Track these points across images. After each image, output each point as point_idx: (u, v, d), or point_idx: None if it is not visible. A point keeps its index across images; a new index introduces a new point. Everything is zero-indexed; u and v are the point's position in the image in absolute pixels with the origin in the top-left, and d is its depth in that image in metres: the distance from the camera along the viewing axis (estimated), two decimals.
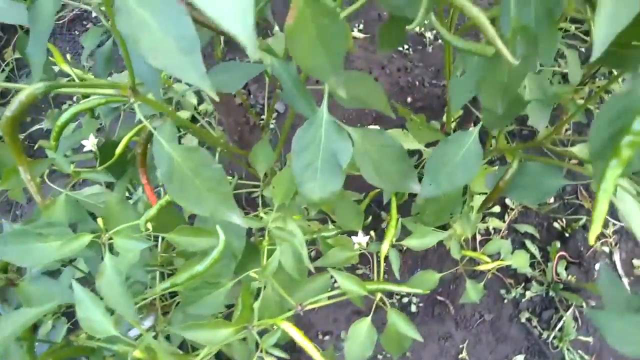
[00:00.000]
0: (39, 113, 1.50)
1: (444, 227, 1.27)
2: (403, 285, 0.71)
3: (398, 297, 1.24)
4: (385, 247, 0.71)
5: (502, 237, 1.27)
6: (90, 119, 0.74)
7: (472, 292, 1.01)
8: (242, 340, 0.57)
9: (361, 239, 0.73)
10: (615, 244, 1.25)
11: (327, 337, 1.21)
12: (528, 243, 1.26)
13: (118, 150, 0.67)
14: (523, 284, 1.24)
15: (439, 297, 1.23)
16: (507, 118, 0.60)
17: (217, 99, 0.38)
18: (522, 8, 0.48)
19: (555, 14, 0.48)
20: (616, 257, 1.24)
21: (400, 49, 1.39)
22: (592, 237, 0.40)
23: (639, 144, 0.38)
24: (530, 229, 1.27)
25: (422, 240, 0.73)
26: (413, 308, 1.23)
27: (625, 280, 1.24)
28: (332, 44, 0.46)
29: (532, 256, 1.26)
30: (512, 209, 1.30)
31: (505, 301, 1.23)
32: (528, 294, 1.22)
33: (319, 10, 0.43)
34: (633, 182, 0.77)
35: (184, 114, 1.13)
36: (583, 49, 1.26)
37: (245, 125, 0.79)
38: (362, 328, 0.67)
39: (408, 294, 1.23)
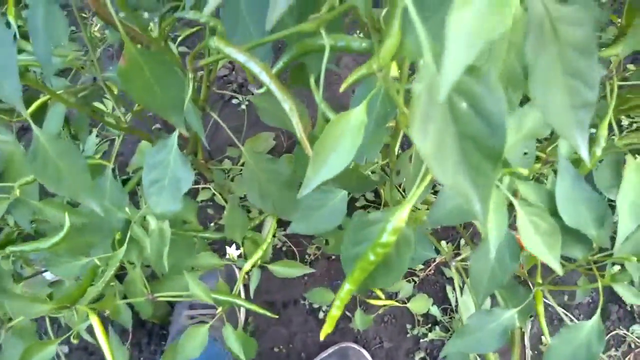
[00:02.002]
0: None
1: None
2: (254, 305, 0.75)
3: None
4: (247, 265, 0.75)
5: (427, 276, 1.30)
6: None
7: (359, 320, 1.06)
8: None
9: (233, 251, 0.77)
10: (530, 316, 1.26)
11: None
12: (448, 289, 1.29)
13: (29, 110, 0.73)
14: (429, 325, 1.27)
15: (347, 313, 1.28)
16: (358, 189, 0.62)
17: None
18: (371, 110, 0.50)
19: (388, 118, 0.50)
20: (526, 329, 1.26)
21: None
22: (322, 335, 0.44)
23: (369, 269, 0.41)
24: (455, 276, 1.29)
25: (285, 269, 0.77)
26: (321, 315, 1.28)
27: (529, 353, 1.25)
28: (169, 89, 0.49)
29: (448, 302, 1.28)
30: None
31: (408, 335, 1.27)
32: (430, 335, 1.26)
33: (153, 60, 0.46)
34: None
35: None
36: None
37: None
38: (198, 333, 0.72)
39: None
